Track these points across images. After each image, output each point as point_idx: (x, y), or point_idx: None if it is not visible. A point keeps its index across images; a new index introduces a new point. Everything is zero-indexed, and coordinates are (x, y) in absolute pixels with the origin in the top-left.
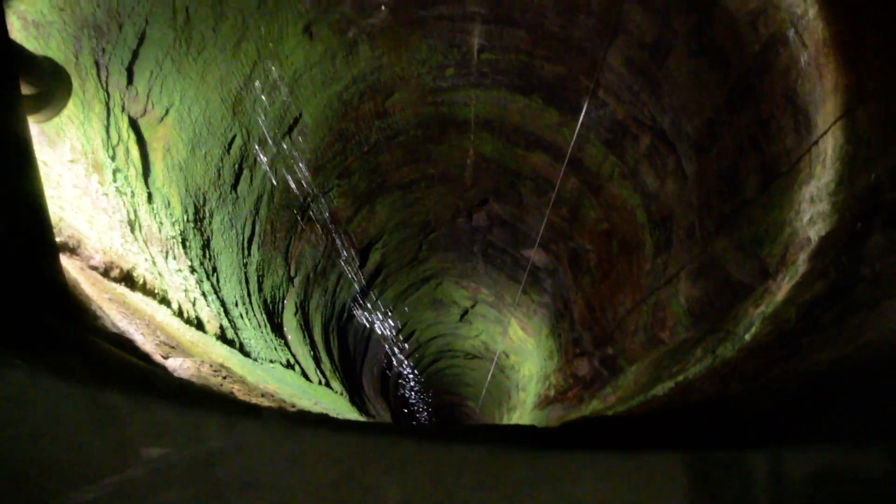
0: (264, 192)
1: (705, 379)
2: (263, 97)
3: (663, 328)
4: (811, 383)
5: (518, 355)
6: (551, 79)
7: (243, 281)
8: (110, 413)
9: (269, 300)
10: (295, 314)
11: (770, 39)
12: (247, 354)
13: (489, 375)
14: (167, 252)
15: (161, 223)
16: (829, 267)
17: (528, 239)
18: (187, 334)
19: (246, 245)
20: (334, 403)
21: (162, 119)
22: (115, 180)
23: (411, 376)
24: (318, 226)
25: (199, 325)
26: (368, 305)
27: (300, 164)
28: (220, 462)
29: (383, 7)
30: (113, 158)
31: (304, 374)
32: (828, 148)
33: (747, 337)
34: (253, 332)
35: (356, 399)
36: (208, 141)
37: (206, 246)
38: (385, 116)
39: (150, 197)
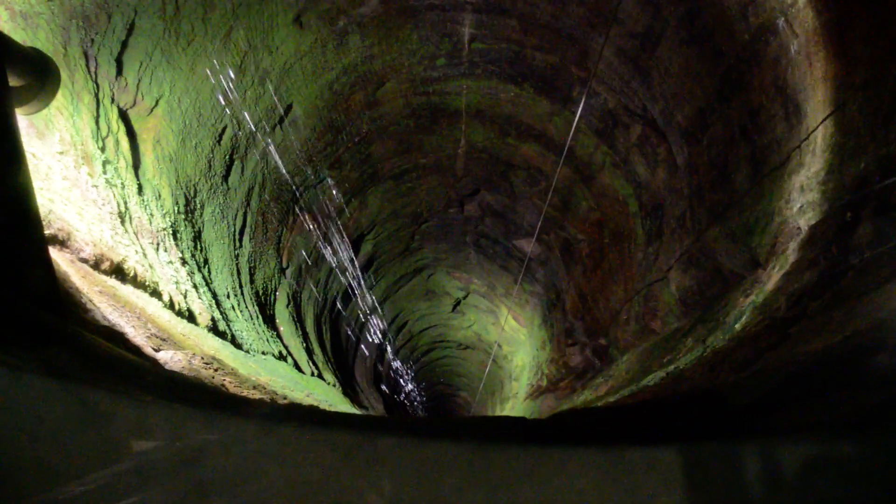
0: (255, 183)
1: (696, 369)
2: (254, 88)
3: (654, 318)
4: (800, 373)
5: (510, 345)
6: (543, 68)
7: (235, 272)
8: (95, 411)
9: (260, 292)
10: (287, 306)
11: (760, 28)
12: (238, 346)
13: (486, 369)
14: (158, 244)
15: (152, 215)
16: (818, 256)
17: (519, 229)
18: (178, 326)
19: (237, 236)
20: (327, 395)
21: (152, 110)
22: (104, 172)
23: (404, 367)
24: (309, 217)
25: (191, 318)
26: (361, 296)
27: (291, 156)
28: (203, 460)
29: None
30: (103, 150)
31: (297, 366)
32: (818, 137)
33: (737, 326)
34: (245, 323)
35: (348, 390)
36: (199, 132)
37: (197, 238)
38: (376, 106)
39: (140, 188)
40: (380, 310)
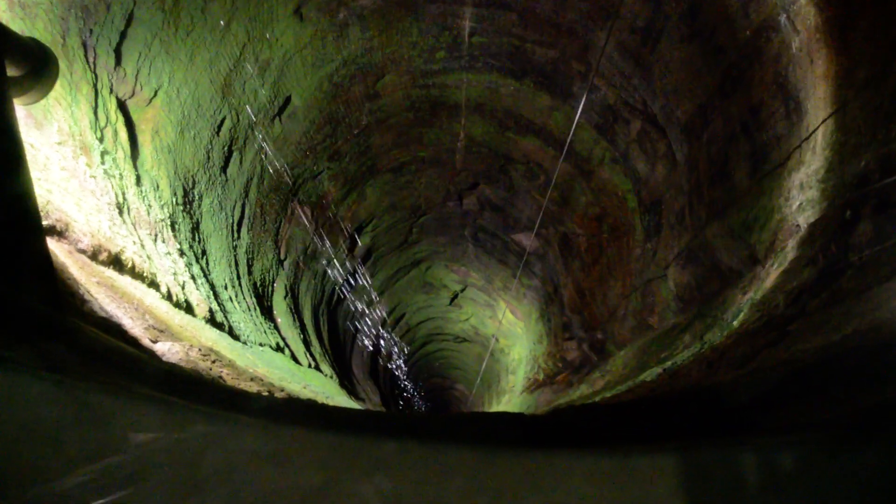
0: (254, 174)
1: (693, 365)
2: (253, 79)
3: (652, 313)
4: (798, 371)
5: (508, 339)
6: (543, 63)
7: (233, 264)
8: (90, 406)
9: (258, 283)
10: (285, 297)
11: (761, 25)
12: (236, 338)
13: (483, 363)
14: (156, 235)
15: (150, 206)
16: (817, 254)
17: (518, 223)
18: (176, 318)
19: (235, 228)
20: (324, 386)
21: (150, 101)
22: (103, 162)
23: (401, 359)
24: (308, 209)
25: (189, 309)
26: (358, 289)
27: (290, 147)
28: (201, 459)
29: None
30: (101, 140)
31: (294, 358)
32: (818, 134)
33: (735, 323)
34: (242, 315)
35: (346, 382)
36: (197, 123)
37: (195, 229)
38: (376, 99)
39: (138, 179)
40: (377, 302)
